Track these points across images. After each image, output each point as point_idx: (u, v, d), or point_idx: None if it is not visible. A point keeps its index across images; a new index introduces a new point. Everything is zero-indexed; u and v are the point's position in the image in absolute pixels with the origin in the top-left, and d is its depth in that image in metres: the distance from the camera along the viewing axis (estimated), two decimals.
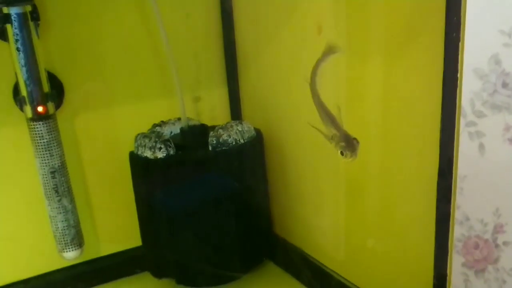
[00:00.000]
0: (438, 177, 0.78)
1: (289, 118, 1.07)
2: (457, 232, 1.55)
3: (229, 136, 0.98)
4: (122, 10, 1.06)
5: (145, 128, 1.08)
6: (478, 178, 1.44)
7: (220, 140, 0.98)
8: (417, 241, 0.85)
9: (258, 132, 1.05)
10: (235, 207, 1.02)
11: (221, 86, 1.18)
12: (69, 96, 1.05)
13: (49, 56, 1.01)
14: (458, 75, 0.71)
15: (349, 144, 0.65)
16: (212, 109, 1.18)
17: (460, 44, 0.69)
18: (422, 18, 0.75)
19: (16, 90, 0.99)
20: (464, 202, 1.50)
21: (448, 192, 0.83)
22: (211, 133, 0.99)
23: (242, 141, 1.00)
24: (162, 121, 1.08)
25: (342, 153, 0.65)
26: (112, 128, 1.10)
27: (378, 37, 0.82)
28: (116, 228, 1.15)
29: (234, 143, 0.98)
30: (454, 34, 0.69)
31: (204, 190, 0.99)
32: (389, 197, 0.88)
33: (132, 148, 1.04)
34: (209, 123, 1.11)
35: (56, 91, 1.01)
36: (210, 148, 0.98)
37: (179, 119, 1.08)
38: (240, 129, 1.00)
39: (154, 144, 0.97)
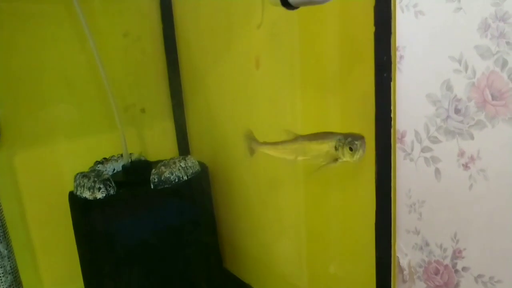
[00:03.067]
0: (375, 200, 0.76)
1: (235, 150, 1.05)
2: (417, 257, 1.55)
3: (172, 173, 0.95)
4: (61, 44, 1.03)
5: (88, 165, 1.04)
6: (436, 203, 1.44)
7: (162, 178, 0.95)
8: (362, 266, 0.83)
9: (204, 167, 1.02)
10: (181, 245, 0.99)
11: (167, 119, 1.15)
12: (6, 133, 1.00)
13: None
14: (392, 115, 0.69)
15: (355, 137, 0.69)
16: (158, 143, 1.15)
17: (392, 83, 0.68)
18: (353, 55, 0.74)
19: None
20: (424, 227, 1.49)
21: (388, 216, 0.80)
22: (153, 171, 0.95)
23: (185, 177, 0.97)
24: (105, 158, 1.05)
25: (351, 149, 0.67)
26: (53, 167, 1.06)
27: (311, 71, 0.81)
28: (59, 271, 1.10)
29: (176, 180, 0.95)
30: (385, 74, 0.67)
31: (147, 229, 0.96)
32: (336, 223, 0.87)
33: (72, 187, 1.00)
34: (155, 158, 1.08)
35: None
36: (152, 186, 0.95)
37: (121, 155, 1.05)
38: (183, 165, 0.97)
39: (93, 184, 0.94)
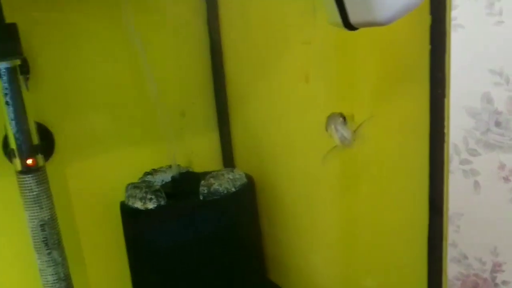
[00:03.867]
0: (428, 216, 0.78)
1: (281, 161, 1.07)
2: (455, 270, 1.54)
3: (220, 185, 0.98)
4: (112, 60, 1.07)
5: (136, 175, 1.08)
6: (474, 216, 1.44)
7: (211, 189, 0.97)
8: (411, 279, 0.84)
9: (250, 179, 1.05)
10: (228, 256, 1.01)
11: (212, 130, 1.18)
12: (59, 146, 1.04)
13: (39, 107, 1.01)
14: (445, 130, 0.71)
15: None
16: (203, 155, 1.18)
17: (445, 100, 0.69)
18: (407, 71, 0.75)
19: (5, 142, 0.99)
20: (462, 240, 1.49)
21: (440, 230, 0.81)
22: (202, 182, 0.98)
23: (233, 189, 0.99)
24: (154, 169, 1.08)
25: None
26: (103, 177, 1.09)
27: (363, 86, 0.82)
28: (108, 280, 1.13)
29: (225, 191, 0.98)
30: (439, 91, 0.69)
31: (196, 239, 0.98)
32: (382, 235, 0.88)
33: (123, 198, 1.03)
34: (200, 169, 1.10)
35: (46, 142, 1.01)
36: (201, 197, 0.97)
37: (170, 166, 1.08)
38: (231, 177, 1.00)
39: (144, 194, 0.97)
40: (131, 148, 1.11)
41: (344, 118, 0.71)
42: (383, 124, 0.80)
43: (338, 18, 0.61)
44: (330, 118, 0.73)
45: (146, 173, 1.07)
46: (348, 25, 0.61)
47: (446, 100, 0.70)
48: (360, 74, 0.82)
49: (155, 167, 1.09)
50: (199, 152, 1.18)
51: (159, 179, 1.06)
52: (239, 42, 1.10)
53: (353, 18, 0.60)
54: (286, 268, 1.11)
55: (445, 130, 0.72)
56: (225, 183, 0.98)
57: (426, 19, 0.68)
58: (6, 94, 0.91)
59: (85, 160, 1.08)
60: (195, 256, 0.99)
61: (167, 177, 1.06)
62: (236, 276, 1.02)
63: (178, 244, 0.98)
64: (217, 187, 0.97)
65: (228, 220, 1.00)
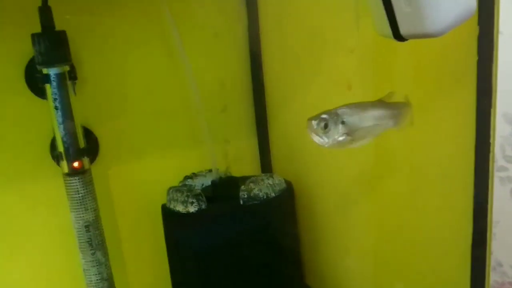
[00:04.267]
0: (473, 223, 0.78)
1: (318, 168, 1.08)
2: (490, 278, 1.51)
3: (260, 190, 0.99)
4: (153, 65, 1.10)
5: (176, 179, 1.10)
6: (510, 223, 1.42)
7: (251, 194, 0.99)
8: (450, 286, 0.85)
9: (289, 185, 1.06)
10: (267, 260, 1.03)
11: (251, 137, 1.20)
12: (102, 149, 1.08)
13: (84, 111, 1.05)
14: (491, 140, 0.71)
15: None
16: (242, 160, 1.19)
17: (492, 110, 0.70)
18: (454, 80, 0.76)
19: (53, 145, 1.02)
20: (497, 247, 1.47)
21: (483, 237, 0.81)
22: (242, 187, 1.00)
23: (272, 194, 1.01)
24: (194, 173, 1.10)
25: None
26: (144, 180, 1.12)
27: (408, 96, 0.83)
28: (148, 281, 1.16)
29: (265, 197, 0.99)
30: (486, 101, 0.69)
31: (235, 244, 1.00)
32: (421, 241, 0.88)
33: (163, 200, 1.06)
34: (239, 174, 1.12)
35: (91, 146, 1.04)
36: (241, 202, 0.99)
37: (209, 171, 1.10)
38: (271, 183, 1.01)
39: (186, 198, 0.99)
40: (171, 152, 1.14)
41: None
42: (428, 131, 0.81)
43: (388, 30, 0.62)
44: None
45: (186, 177, 1.09)
46: (398, 37, 0.61)
47: (492, 110, 0.71)
48: (405, 82, 0.82)
49: (194, 171, 1.12)
50: (238, 157, 1.19)
51: (199, 183, 1.08)
52: (278, 49, 1.12)
53: (404, 29, 0.60)
54: (323, 273, 1.12)
55: (491, 140, 0.72)
56: (264, 188, 1.00)
57: (474, 30, 0.68)
58: (55, 99, 0.95)
59: (127, 164, 1.10)
60: (235, 259, 1.01)
61: (207, 181, 1.08)
62: (274, 280, 1.04)
63: (218, 248, 1.00)
64: (257, 192, 0.99)
65: (267, 225, 1.01)
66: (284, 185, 1.04)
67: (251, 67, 1.17)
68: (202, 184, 1.08)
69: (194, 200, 0.98)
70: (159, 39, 1.09)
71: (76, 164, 0.97)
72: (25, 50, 0.96)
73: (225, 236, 1.00)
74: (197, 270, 1.02)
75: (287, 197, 1.05)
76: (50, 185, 1.03)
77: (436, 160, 0.82)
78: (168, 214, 1.03)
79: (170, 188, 1.04)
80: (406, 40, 0.62)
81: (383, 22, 0.63)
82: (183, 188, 1.02)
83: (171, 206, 1.01)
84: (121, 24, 1.06)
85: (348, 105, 0.72)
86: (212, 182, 1.07)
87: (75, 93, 0.97)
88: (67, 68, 0.95)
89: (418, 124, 0.80)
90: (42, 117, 0.98)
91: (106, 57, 1.06)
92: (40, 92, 0.98)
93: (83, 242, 1.00)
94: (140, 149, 1.11)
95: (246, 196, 0.99)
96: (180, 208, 1.00)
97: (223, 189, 1.05)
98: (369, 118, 0.72)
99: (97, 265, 1.01)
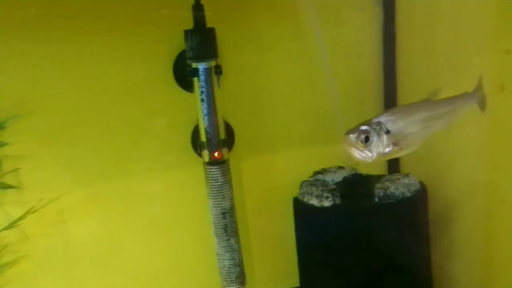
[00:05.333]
0: None
1: (452, 169, 1.06)
2: None
3: (396, 189, 0.99)
4: (291, 64, 1.13)
5: (305, 174, 1.12)
6: None
7: (387, 193, 0.99)
8: None
9: (423, 186, 1.05)
10: (395, 259, 1.02)
11: None
12: (238, 142, 1.12)
13: (224, 105, 1.10)
14: None
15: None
16: None
17: None
18: None
19: (194, 135, 1.08)
20: None
21: None
22: (378, 185, 1.00)
23: (408, 194, 1.00)
24: (324, 169, 1.12)
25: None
26: (275, 173, 1.16)
27: None
28: (271, 269, 1.19)
29: (401, 196, 0.99)
30: None
31: (367, 240, 1.01)
32: None
33: (293, 194, 1.09)
34: (365, 172, 1.13)
35: (229, 138, 1.09)
36: (376, 199, 1.00)
37: (339, 167, 1.11)
38: (406, 182, 1.01)
39: (321, 192, 1.01)
40: (302, 148, 1.17)
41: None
42: None
43: None
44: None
45: (317, 172, 1.11)
46: None
47: None
48: None
49: (323, 167, 1.13)
50: None
51: (329, 179, 1.09)
52: (415, 47, 1.11)
53: None
54: (453, 278, 1.10)
55: None
56: (401, 187, 1.00)
57: None
58: (202, 92, 1.00)
59: (259, 156, 1.15)
60: (365, 256, 1.02)
61: (337, 177, 1.10)
62: (402, 280, 1.03)
63: (350, 243, 1.01)
64: (393, 190, 0.99)
65: (402, 224, 1.01)
66: (419, 185, 1.03)
67: (384, 64, 1.17)
68: (333, 180, 1.09)
69: (329, 195, 1.00)
70: (296, 39, 1.12)
71: (216, 154, 1.02)
72: (175, 46, 1.03)
73: (357, 232, 1.01)
74: (326, 264, 1.04)
75: (422, 198, 1.04)
76: (190, 173, 1.09)
77: None
78: (300, 207, 1.06)
79: (303, 182, 1.07)
80: None
81: None
82: (317, 183, 1.04)
83: (305, 200, 1.04)
84: (260, 22, 1.10)
85: (391, 111, 0.69)
86: (344, 178, 1.08)
87: (219, 87, 1.02)
88: (214, 63, 1.00)
89: None
90: (186, 109, 1.04)
91: (245, 55, 1.10)
92: (187, 85, 1.04)
93: (219, 228, 1.05)
94: (272, 143, 1.15)
95: (381, 194, 0.99)
96: (314, 201, 1.02)
97: (356, 187, 1.06)
98: (415, 122, 0.68)
99: (230, 251, 1.06)
